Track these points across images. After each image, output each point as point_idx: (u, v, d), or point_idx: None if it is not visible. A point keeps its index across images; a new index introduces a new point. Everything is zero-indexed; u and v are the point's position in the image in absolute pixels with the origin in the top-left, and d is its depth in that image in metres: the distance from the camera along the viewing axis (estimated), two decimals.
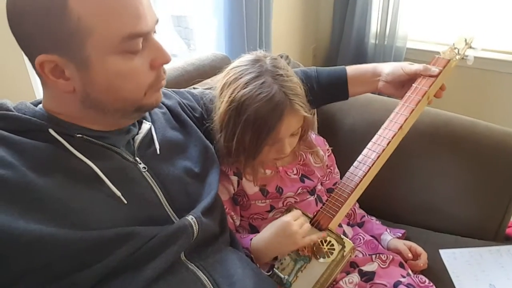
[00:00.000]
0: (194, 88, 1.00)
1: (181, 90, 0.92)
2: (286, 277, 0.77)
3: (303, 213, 0.84)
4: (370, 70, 0.95)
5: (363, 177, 0.80)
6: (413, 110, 0.83)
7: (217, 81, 0.85)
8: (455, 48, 0.89)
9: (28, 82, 1.01)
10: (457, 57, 0.88)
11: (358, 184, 0.79)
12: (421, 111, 0.86)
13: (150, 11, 0.60)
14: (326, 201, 0.81)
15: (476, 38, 0.90)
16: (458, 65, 0.90)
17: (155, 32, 0.63)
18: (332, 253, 0.76)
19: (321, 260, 0.76)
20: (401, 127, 0.82)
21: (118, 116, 0.64)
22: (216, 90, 0.84)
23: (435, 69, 0.85)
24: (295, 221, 0.76)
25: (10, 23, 0.56)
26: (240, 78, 0.77)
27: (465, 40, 0.90)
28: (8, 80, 0.97)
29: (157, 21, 0.62)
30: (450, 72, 0.87)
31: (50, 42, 0.55)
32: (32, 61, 0.58)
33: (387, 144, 0.81)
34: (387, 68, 0.92)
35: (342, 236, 0.78)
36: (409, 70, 0.88)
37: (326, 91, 0.98)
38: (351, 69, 0.97)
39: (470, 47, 0.90)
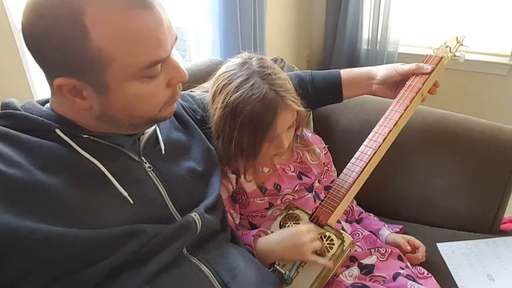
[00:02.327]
0: (191, 91, 1.02)
1: (182, 92, 0.93)
2: (287, 272, 0.78)
3: (302, 210, 0.85)
4: (364, 73, 0.97)
5: (361, 173, 0.81)
6: (407, 107, 0.84)
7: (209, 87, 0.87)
8: (447, 47, 0.91)
9: (25, 82, 1.02)
10: (449, 54, 0.90)
11: (355, 180, 0.81)
12: (416, 108, 0.87)
13: (170, 33, 0.59)
14: (324, 197, 0.82)
15: (467, 37, 0.92)
16: (448, 67, 0.92)
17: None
18: (331, 248, 0.77)
19: (322, 255, 0.76)
20: (396, 123, 0.83)
21: (131, 129, 0.65)
22: (207, 98, 0.85)
23: (427, 67, 0.87)
24: (308, 234, 0.76)
25: (27, 43, 0.56)
26: (230, 83, 0.79)
27: (457, 39, 0.92)
28: (5, 81, 0.98)
29: (175, 39, 0.61)
30: (442, 69, 0.89)
31: (69, 67, 0.55)
32: (48, 78, 0.58)
33: (383, 141, 0.82)
34: (381, 71, 0.94)
35: (341, 231, 0.79)
36: (402, 70, 0.90)
37: (321, 94, 1.00)
38: (345, 73, 0.99)
39: (462, 45, 0.92)
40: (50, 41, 0.53)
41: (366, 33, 2.30)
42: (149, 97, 0.60)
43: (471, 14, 2.19)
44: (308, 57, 2.55)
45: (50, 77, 0.57)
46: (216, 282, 0.63)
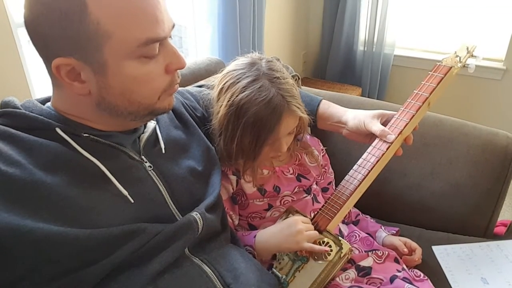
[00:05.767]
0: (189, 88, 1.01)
1: (180, 89, 0.92)
2: (284, 276, 0.78)
3: (302, 214, 0.85)
4: (336, 116, 0.94)
5: (362, 180, 0.80)
6: (413, 116, 0.83)
7: (212, 83, 0.86)
8: (456, 56, 0.88)
9: (24, 81, 1.01)
10: (459, 64, 0.87)
11: (357, 187, 0.80)
12: (421, 117, 0.85)
13: (167, 16, 0.60)
14: (325, 203, 0.82)
15: (478, 47, 0.89)
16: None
17: (170, 37, 0.63)
18: (329, 254, 0.77)
19: (319, 261, 0.77)
20: (401, 132, 0.82)
21: (130, 119, 0.64)
22: (213, 95, 0.85)
23: (391, 136, 0.82)
24: (303, 223, 0.78)
25: (26, 25, 0.56)
26: (238, 82, 0.79)
27: (467, 49, 0.89)
28: (4, 79, 0.97)
29: (173, 26, 0.62)
30: (451, 80, 0.87)
31: (67, 45, 0.55)
32: (47, 63, 0.58)
33: (387, 149, 0.81)
34: (351, 121, 0.90)
35: (340, 237, 0.79)
36: (370, 129, 0.85)
37: None
38: (323, 106, 0.97)
39: (472, 56, 0.89)
40: (48, 17, 0.53)
41: (362, 34, 2.31)
42: (146, 80, 0.60)
43: (466, 19, 2.21)
44: (305, 58, 2.56)
45: (49, 61, 0.56)
46: (219, 283, 0.63)
